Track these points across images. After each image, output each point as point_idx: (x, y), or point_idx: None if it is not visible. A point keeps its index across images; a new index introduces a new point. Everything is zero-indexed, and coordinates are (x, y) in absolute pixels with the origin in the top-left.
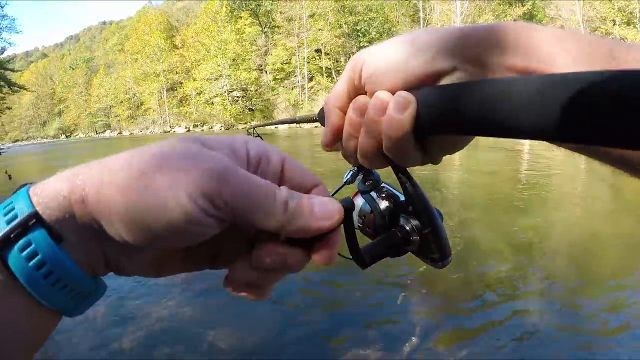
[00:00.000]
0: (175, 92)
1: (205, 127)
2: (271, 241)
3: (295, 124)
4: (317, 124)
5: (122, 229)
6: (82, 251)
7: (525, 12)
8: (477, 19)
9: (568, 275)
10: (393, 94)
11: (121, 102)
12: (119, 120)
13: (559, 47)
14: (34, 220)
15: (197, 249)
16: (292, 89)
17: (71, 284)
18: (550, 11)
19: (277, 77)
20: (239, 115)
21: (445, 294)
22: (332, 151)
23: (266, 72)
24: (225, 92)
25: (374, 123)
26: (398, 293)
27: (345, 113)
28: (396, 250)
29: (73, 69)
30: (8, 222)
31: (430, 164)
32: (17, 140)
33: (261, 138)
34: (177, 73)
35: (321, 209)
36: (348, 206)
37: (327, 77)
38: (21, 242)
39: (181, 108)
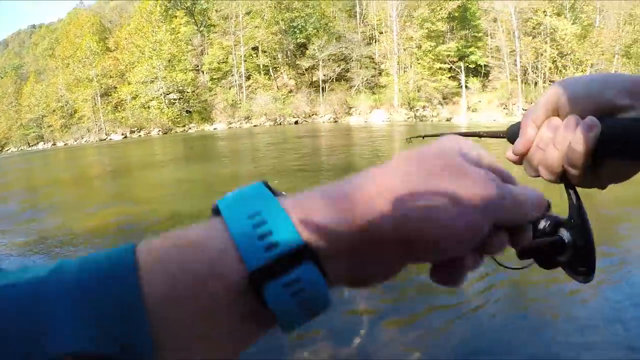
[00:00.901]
0: (109, 97)
1: (142, 133)
2: (500, 231)
3: (234, 125)
4: (256, 123)
5: (415, 257)
6: (334, 277)
7: (460, 5)
8: (413, 13)
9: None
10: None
11: (53, 110)
12: (52, 131)
13: None
14: (306, 255)
15: None
16: (230, 89)
17: (317, 312)
18: (484, 4)
19: (214, 77)
20: (177, 118)
21: (389, 284)
22: (514, 162)
23: (203, 72)
24: (161, 95)
25: (564, 139)
26: (343, 289)
27: (538, 129)
28: (548, 257)
29: (1, 78)
30: (267, 249)
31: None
32: None
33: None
34: (111, 77)
35: (540, 203)
36: (548, 202)
37: (264, 74)
38: (289, 277)
39: (117, 114)
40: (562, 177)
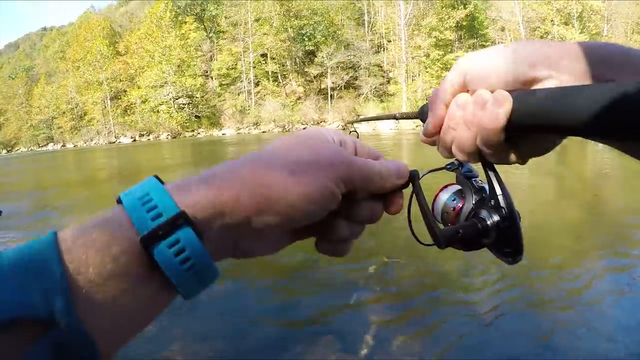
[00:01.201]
0: (119, 100)
1: (151, 137)
2: (363, 200)
3: (244, 130)
4: (264, 129)
5: (275, 218)
6: (218, 243)
7: (468, 14)
8: (421, 22)
9: (523, 260)
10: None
11: (63, 112)
12: (62, 132)
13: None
14: (182, 220)
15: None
16: (239, 95)
17: (205, 275)
18: (492, 13)
19: (223, 82)
20: (186, 122)
21: (397, 290)
22: (428, 144)
23: (212, 78)
24: (170, 99)
25: (474, 116)
26: (351, 294)
27: (447, 107)
28: (472, 241)
29: (12, 79)
30: (153, 219)
31: None
32: None
33: (357, 134)
34: (120, 81)
35: (398, 170)
36: (414, 172)
37: (273, 81)
38: (170, 239)
39: (126, 117)
40: (478, 156)
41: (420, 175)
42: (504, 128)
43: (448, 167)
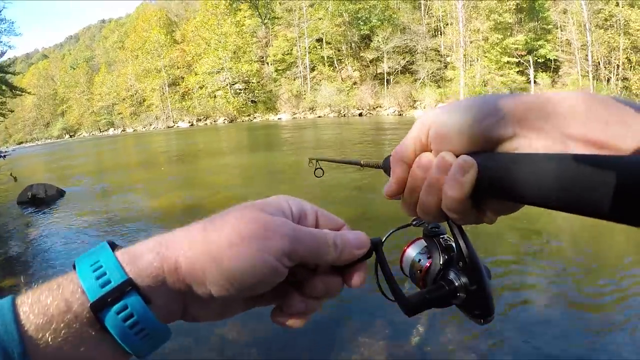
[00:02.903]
0: (177, 87)
1: (208, 121)
2: (318, 274)
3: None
4: (320, 114)
5: (214, 289)
6: (165, 308)
7: None
8: (479, 4)
9: (574, 261)
10: (457, 155)
11: (123, 99)
12: (122, 118)
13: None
14: (130, 287)
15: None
16: (294, 80)
17: (155, 337)
18: None
19: (279, 68)
20: (242, 107)
21: None
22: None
23: (268, 63)
24: (227, 85)
25: (437, 181)
26: (404, 281)
27: (410, 167)
28: (439, 304)
29: (74, 69)
30: (102, 286)
31: None
32: (21, 142)
33: (322, 171)
34: (178, 68)
35: (356, 241)
36: (376, 241)
37: (329, 66)
38: (118, 305)
39: (184, 103)
40: (444, 217)
41: (386, 235)
42: (470, 195)
43: (414, 223)
